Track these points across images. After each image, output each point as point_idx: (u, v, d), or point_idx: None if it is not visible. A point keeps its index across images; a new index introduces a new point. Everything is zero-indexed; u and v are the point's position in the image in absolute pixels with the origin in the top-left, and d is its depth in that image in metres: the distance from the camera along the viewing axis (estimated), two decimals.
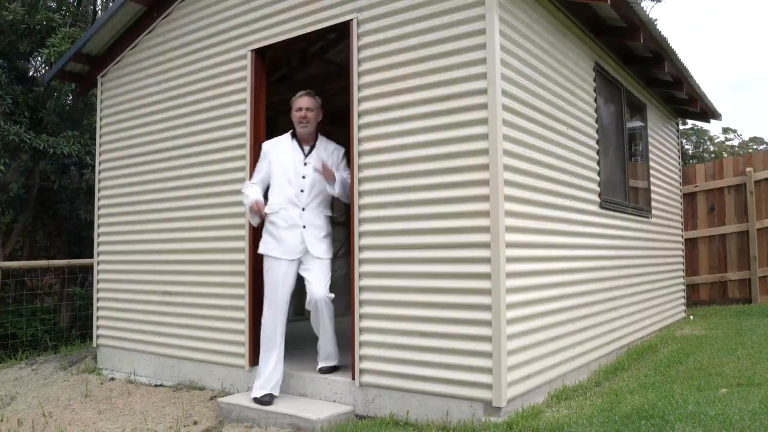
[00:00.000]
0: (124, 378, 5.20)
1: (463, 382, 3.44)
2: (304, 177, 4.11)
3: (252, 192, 4.08)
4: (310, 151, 4.19)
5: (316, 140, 4.24)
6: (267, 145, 4.23)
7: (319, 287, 4.03)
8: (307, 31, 4.24)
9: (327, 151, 4.24)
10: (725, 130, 23.40)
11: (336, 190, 4.12)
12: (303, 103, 4.16)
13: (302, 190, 4.08)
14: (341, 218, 7.50)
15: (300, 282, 4.15)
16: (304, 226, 4.05)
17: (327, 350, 4.14)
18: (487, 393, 3.36)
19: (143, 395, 4.66)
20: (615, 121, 5.55)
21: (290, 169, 4.10)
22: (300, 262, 4.10)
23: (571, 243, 4.38)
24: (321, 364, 4.15)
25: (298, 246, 4.04)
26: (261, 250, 4.14)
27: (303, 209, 4.07)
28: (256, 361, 4.16)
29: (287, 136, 4.25)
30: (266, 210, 4.08)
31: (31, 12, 7.92)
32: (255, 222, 4.13)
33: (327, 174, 4.06)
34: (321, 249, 4.10)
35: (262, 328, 4.07)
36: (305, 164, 4.14)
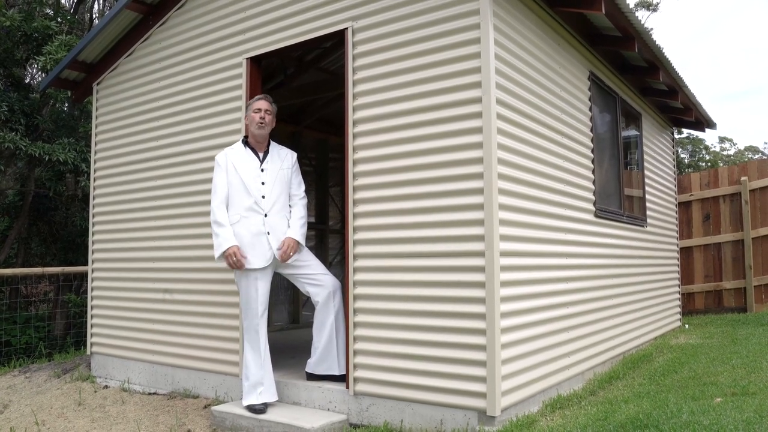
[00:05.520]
0: (118, 386, 5.18)
1: (457, 391, 3.43)
2: (263, 183, 4.06)
3: (228, 235, 3.95)
4: (265, 156, 4.14)
5: (269, 146, 4.20)
6: (220, 156, 4.11)
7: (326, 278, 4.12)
8: (302, 39, 4.25)
9: (281, 156, 4.19)
10: (721, 139, 23.53)
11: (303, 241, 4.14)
12: (262, 105, 4.10)
13: (263, 197, 4.03)
14: (336, 226, 7.51)
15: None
16: (268, 233, 4.01)
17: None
18: (481, 402, 3.35)
19: (137, 403, 4.64)
20: (610, 129, 5.57)
21: (248, 178, 4.03)
22: (275, 268, 4.09)
23: (566, 252, 4.38)
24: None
25: (265, 253, 3.99)
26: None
27: (266, 215, 4.02)
28: None
29: (239, 144, 4.17)
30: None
31: (27, 19, 7.95)
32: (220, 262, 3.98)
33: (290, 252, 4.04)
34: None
35: (244, 335, 4.05)
36: (263, 170, 4.08)
